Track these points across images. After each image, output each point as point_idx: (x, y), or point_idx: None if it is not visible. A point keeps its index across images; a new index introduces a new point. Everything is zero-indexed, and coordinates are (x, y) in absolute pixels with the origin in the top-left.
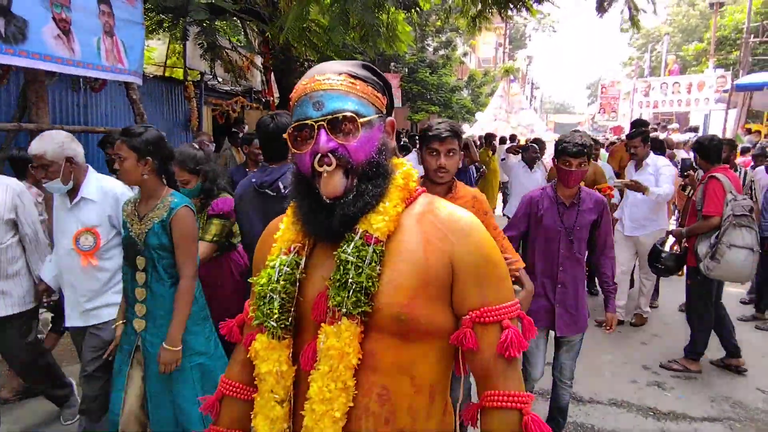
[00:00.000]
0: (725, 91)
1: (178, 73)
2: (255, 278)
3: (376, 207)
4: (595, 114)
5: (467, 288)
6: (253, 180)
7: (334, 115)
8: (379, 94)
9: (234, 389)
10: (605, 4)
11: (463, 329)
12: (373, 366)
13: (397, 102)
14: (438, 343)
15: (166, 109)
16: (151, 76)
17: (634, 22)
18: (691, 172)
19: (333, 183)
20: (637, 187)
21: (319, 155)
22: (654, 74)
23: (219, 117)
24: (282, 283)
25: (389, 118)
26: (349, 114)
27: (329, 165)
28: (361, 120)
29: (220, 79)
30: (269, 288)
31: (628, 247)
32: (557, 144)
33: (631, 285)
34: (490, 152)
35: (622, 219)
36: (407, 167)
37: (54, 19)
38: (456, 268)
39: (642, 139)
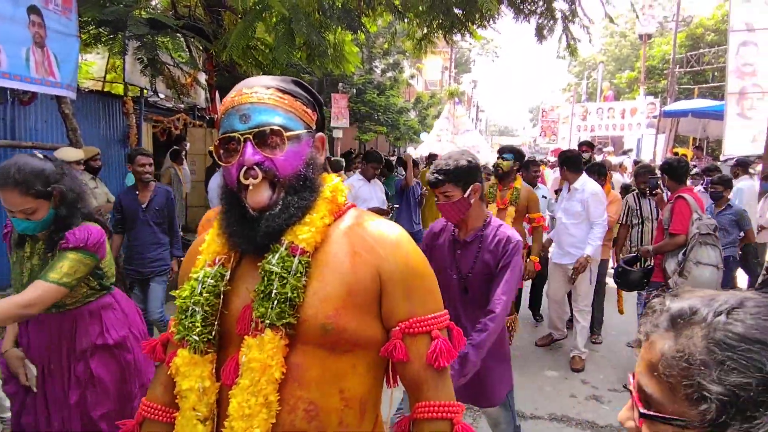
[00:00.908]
0: (654, 117)
1: (118, 89)
2: (177, 291)
3: (302, 219)
4: (536, 137)
5: (395, 300)
6: None
7: (261, 128)
8: (309, 110)
9: (155, 411)
10: (544, 31)
11: (393, 341)
12: (299, 379)
13: (345, 122)
14: (367, 355)
15: (103, 125)
16: (87, 90)
17: (571, 50)
18: (659, 191)
19: (258, 195)
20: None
21: (245, 168)
22: (591, 100)
23: (161, 134)
24: (205, 295)
25: (319, 134)
26: (275, 127)
27: (255, 178)
28: (288, 134)
29: (162, 96)
30: (192, 301)
31: (559, 275)
32: None
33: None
34: None
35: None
36: (336, 181)
37: None
38: (384, 280)
39: (567, 167)
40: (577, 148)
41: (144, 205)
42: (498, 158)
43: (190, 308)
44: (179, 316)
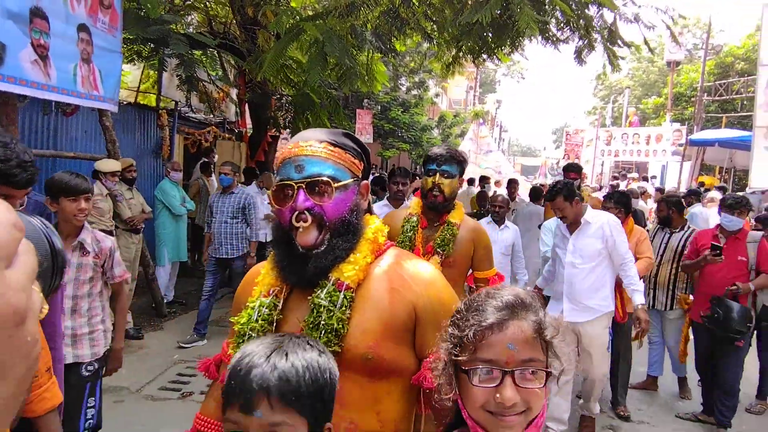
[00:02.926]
0: (680, 145)
1: (151, 99)
2: (236, 317)
3: (347, 258)
4: (559, 159)
5: (428, 333)
6: None
7: (313, 179)
8: (356, 161)
9: (208, 426)
10: (583, 53)
11: (424, 370)
12: (341, 401)
13: (369, 138)
14: (401, 382)
15: (138, 136)
16: (125, 102)
17: (614, 65)
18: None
19: (307, 236)
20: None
21: (297, 212)
22: (615, 124)
23: (191, 146)
24: (260, 322)
25: (364, 182)
26: (325, 178)
27: (305, 222)
28: (336, 184)
29: (194, 109)
30: (248, 327)
31: (570, 341)
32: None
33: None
34: None
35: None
36: (378, 224)
37: (32, 44)
38: (418, 314)
39: (564, 197)
40: (564, 173)
41: None
42: (429, 169)
43: (247, 333)
44: (237, 339)
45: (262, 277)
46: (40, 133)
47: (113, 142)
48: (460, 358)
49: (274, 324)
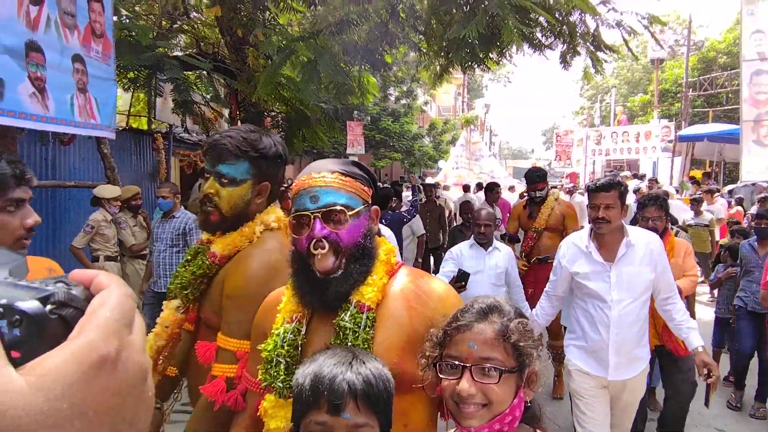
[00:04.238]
0: (670, 141)
1: (142, 122)
2: (262, 345)
3: (365, 281)
4: (551, 160)
5: None
6: None
7: (328, 208)
8: (365, 187)
9: None
10: (567, 57)
11: None
12: None
13: (361, 149)
14: (425, 394)
15: (134, 160)
16: (119, 128)
17: (597, 69)
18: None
19: (325, 262)
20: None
21: (315, 240)
22: (604, 123)
23: (187, 167)
24: (287, 348)
25: (374, 207)
26: (339, 207)
27: (323, 249)
28: (350, 212)
29: (189, 130)
30: (275, 353)
31: (605, 399)
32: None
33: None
34: None
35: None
36: (389, 245)
37: (29, 77)
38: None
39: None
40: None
41: None
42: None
43: (274, 359)
44: (265, 366)
45: (283, 305)
46: (40, 163)
47: (112, 168)
48: (434, 355)
49: (300, 349)
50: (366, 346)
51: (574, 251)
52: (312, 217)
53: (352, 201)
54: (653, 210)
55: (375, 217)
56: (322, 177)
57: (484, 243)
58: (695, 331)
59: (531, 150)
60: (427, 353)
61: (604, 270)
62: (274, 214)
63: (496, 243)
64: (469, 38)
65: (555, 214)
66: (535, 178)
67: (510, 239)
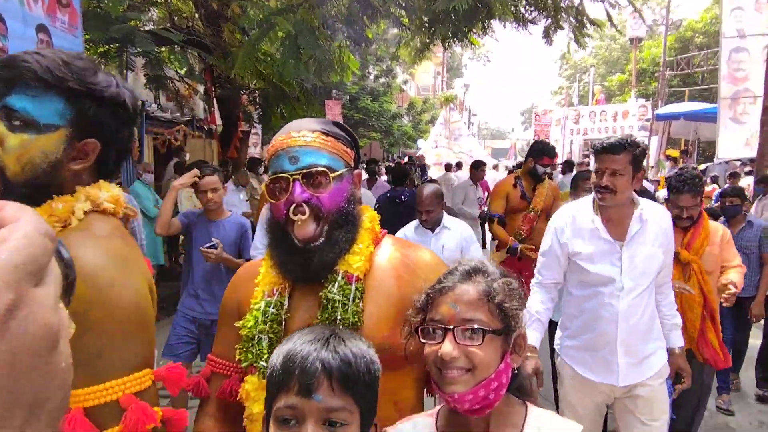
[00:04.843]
0: (647, 120)
1: None
2: (241, 322)
3: (351, 249)
4: (529, 140)
5: None
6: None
7: (308, 169)
8: (348, 149)
9: None
10: (550, 31)
11: None
12: None
13: None
14: (415, 371)
15: None
16: None
17: (579, 43)
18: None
19: (305, 229)
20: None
21: (294, 205)
22: (582, 103)
23: (161, 145)
24: (269, 323)
25: (357, 171)
26: (321, 168)
27: (303, 214)
28: (333, 174)
29: (162, 108)
30: (257, 329)
31: (599, 408)
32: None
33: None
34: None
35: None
36: (372, 212)
37: None
38: None
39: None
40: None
41: None
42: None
43: (256, 336)
44: (245, 344)
45: (261, 277)
46: None
47: None
48: (417, 320)
49: (284, 324)
50: (356, 319)
51: (575, 227)
52: (291, 179)
53: (335, 162)
54: (688, 198)
55: (358, 182)
56: (302, 136)
57: (430, 227)
58: (678, 329)
59: (511, 129)
60: (411, 319)
61: (614, 250)
62: (109, 192)
63: (448, 222)
64: (460, 9)
65: (548, 194)
66: (551, 151)
67: (499, 221)
